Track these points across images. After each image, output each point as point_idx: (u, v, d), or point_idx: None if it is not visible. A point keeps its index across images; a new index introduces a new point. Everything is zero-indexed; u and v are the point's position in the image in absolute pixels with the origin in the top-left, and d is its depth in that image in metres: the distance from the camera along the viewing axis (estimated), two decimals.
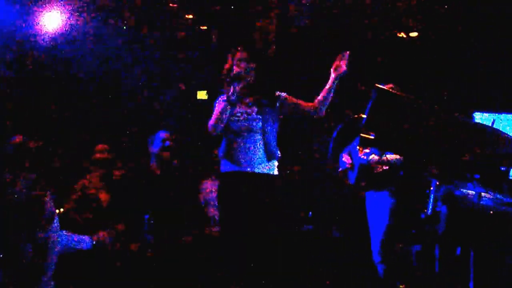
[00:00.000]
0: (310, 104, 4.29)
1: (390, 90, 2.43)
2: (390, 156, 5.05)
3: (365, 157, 5.19)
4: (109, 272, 5.07)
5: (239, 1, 7.25)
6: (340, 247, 6.42)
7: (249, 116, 4.29)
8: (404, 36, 7.88)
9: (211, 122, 4.22)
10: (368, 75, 6.13)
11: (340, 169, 5.49)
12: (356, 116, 4.82)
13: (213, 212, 6.21)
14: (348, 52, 4.10)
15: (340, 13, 7.45)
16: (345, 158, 5.42)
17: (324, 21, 7.48)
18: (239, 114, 4.29)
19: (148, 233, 5.26)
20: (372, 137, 2.66)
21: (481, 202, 2.61)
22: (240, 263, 4.26)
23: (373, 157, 5.14)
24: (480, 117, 3.71)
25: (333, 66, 4.16)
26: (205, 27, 7.53)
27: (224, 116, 4.18)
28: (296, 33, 7.33)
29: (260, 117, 4.30)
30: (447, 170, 2.89)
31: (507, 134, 2.65)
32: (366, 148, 5.15)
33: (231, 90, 4.16)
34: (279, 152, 4.36)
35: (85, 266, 5.07)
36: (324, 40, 7.44)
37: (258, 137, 4.27)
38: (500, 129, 3.07)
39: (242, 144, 4.25)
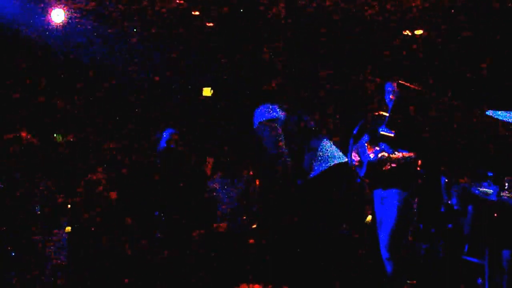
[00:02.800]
0: None
1: (414, 86, 2.41)
2: (399, 154, 5.05)
3: (374, 155, 5.16)
4: (119, 270, 5.07)
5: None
6: (349, 244, 6.41)
7: None
8: (409, 34, 7.88)
9: None
10: (374, 73, 6.14)
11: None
12: (376, 113, 4.80)
13: (220, 209, 6.23)
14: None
15: (345, 12, 7.45)
16: (353, 155, 5.38)
17: (330, 20, 7.46)
18: None
19: (157, 230, 5.26)
20: (392, 135, 2.63)
21: (501, 200, 2.60)
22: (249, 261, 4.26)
23: (383, 154, 5.13)
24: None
25: None
26: (211, 24, 7.51)
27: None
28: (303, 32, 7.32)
29: None
30: (464, 168, 2.88)
31: None
32: (375, 145, 5.14)
33: None
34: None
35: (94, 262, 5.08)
36: (330, 40, 7.44)
37: None
38: None
39: None
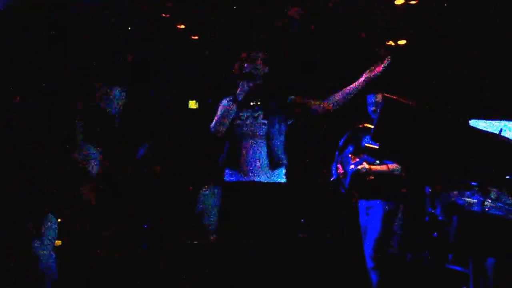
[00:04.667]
0: (321, 103, 4.26)
1: (398, 99, 2.45)
2: (383, 165, 5.11)
3: (353, 166, 5.22)
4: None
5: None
6: (334, 254, 6.44)
7: (255, 120, 4.19)
8: (393, 44, 7.94)
9: (214, 123, 4.11)
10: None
11: (333, 177, 5.50)
12: (361, 125, 4.84)
13: (210, 220, 6.21)
14: (388, 59, 4.11)
15: (328, 24, 7.50)
16: (338, 167, 5.45)
17: (314, 33, 7.51)
18: (244, 118, 4.19)
19: (145, 241, 5.25)
20: (377, 147, 2.67)
21: (485, 210, 2.64)
22: (238, 272, 4.23)
23: (363, 165, 5.18)
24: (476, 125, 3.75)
25: (369, 69, 4.17)
26: (196, 37, 7.52)
27: (228, 116, 4.07)
28: (290, 41, 7.36)
29: (266, 122, 4.20)
30: (447, 178, 2.91)
31: None
32: (359, 156, 5.18)
33: (239, 89, 4.07)
34: (286, 160, 4.26)
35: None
36: (317, 49, 7.48)
37: (263, 143, 4.18)
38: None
39: (245, 151, 4.14)
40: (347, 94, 4.20)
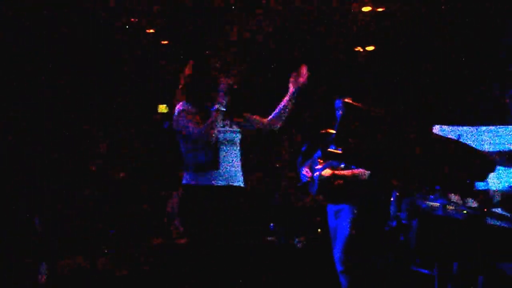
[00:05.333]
0: (263, 119, 4.30)
1: (358, 104, 2.48)
2: (344, 171, 5.15)
3: (318, 172, 5.25)
4: None
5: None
6: (303, 258, 6.46)
7: (231, 128, 4.22)
8: (361, 50, 8.01)
9: (209, 129, 4.02)
10: (328, 90, 6.23)
11: (301, 182, 5.51)
12: (323, 131, 4.87)
13: (179, 224, 6.18)
14: (305, 66, 4.15)
15: (299, 29, 7.53)
16: (306, 171, 5.46)
17: (283, 38, 7.54)
18: (222, 125, 4.14)
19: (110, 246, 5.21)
20: (340, 151, 2.70)
21: (447, 214, 2.68)
22: (206, 276, 4.22)
23: (327, 170, 5.22)
24: (441, 131, 3.79)
25: (291, 80, 4.21)
26: (166, 42, 7.50)
27: (218, 121, 4.04)
28: (256, 51, 7.38)
29: (239, 130, 4.25)
30: (410, 182, 2.95)
31: (472, 147, 2.73)
32: (327, 161, 5.21)
33: (224, 100, 4.07)
34: None
35: None
36: (283, 57, 7.50)
37: (238, 149, 4.24)
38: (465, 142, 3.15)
39: (222, 157, 4.14)
40: (282, 109, 4.24)
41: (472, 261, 2.80)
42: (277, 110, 4.28)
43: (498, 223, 2.53)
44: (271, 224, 6.78)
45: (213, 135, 4.09)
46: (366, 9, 7.22)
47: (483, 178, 2.62)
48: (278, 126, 4.31)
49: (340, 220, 5.28)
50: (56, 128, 6.97)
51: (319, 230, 6.26)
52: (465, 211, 2.77)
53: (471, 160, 2.51)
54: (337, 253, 5.29)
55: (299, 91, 4.20)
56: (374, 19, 7.34)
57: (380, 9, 7.23)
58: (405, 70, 7.47)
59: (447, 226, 2.36)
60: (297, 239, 6.65)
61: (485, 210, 2.76)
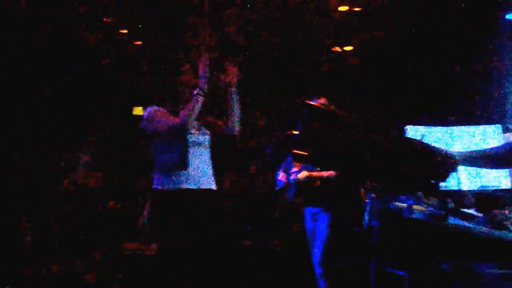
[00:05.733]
0: (220, 123, 4.29)
1: (320, 105, 2.44)
2: (323, 172, 5.11)
3: (294, 175, 5.21)
4: None
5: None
6: (280, 261, 6.42)
7: (199, 130, 4.22)
8: (339, 50, 8.00)
9: (184, 115, 4.02)
10: (304, 90, 6.20)
11: (278, 187, 5.47)
12: (288, 132, 4.83)
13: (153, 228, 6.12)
14: (231, 63, 4.10)
15: (276, 28, 7.50)
16: (281, 176, 5.42)
17: (260, 36, 7.50)
18: (192, 125, 4.16)
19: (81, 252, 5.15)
20: (306, 153, 2.65)
21: (413, 216, 2.64)
22: (180, 281, 4.17)
23: (303, 173, 5.18)
24: (414, 131, 3.76)
25: (226, 81, 4.15)
26: (140, 42, 7.43)
27: (198, 108, 4.02)
28: (233, 49, 7.33)
29: (208, 132, 4.26)
30: (379, 183, 2.92)
31: (436, 147, 2.71)
32: (301, 164, 5.17)
33: (204, 85, 4.03)
34: None
35: None
36: (261, 56, 7.47)
37: (207, 151, 4.23)
38: (430, 142, 3.12)
39: (192, 159, 4.15)
40: (232, 111, 4.21)
41: (434, 261, 2.78)
42: (230, 113, 4.24)
43: (461, 223, 2.50)
44: (247, 227, 6.74)
45: (191, 122, 4.04)
46: (342, 8, 7.20)
47: (444, 178, 2.59)
48: (234, 129, 4.24)
49: (318, 223, 5.25)
50: (27, 131, 6.89)
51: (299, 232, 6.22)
52: (428, 211, 2.74)
53: (431, 160, 2.49)
54: (316, 256, 5.25)
55: (232, 91, 4.15)
56: (351, 18, 7.34)
57: (357, 9, 7.22)
58: (382, 70, 7.45)
59: (409, 226, 2.32)
60: (274, 242, 6.62)
61: (449, 210, 2.74)
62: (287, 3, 7.15)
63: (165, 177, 4.16)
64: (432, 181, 2.49)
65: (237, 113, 4.21)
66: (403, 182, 2.55)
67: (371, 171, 2.54)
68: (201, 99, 4.04)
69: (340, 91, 5.27)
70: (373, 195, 3.90)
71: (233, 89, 4.18)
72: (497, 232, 2.37)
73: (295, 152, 2.68)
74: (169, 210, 4.16)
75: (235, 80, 4.16)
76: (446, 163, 2.54)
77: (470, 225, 2.49)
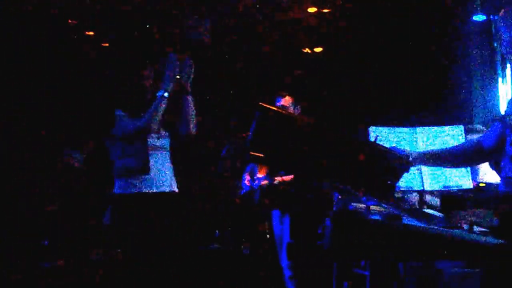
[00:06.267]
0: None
1: (273, 108, 2.43)
2: (283, 177, 5.09)
3: (258, 181, 5.18)
4: None
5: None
6: (250, 265, 6.38)
7: (160, 133, 4.18)
8: (309, 51, 8.01)
9: (147, 118, 4.01)
10: (273, 91, 6.17)
11: (244, 190, 5.43)
12: (244, 135, 4.81)
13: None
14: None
15: (244, 29, 7.49)
16: (247, 180, 5.38)
17: (227, 39, 7.49)
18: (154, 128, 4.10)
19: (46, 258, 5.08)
20: (262, 156, 2.64)
21: (370, 216, 2.64)
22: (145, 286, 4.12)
23: (269, 177, 5.16)
24: (377, 131, 3.78)
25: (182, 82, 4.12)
26: (107, 45, 7.36)
27: (161, 110, 4.01)
28: (200, 50, 7.29)
29: (168, 135, 4.23)
30: (338, 184, 2.92)
31: (390, 148, 2.72)
32: (265, 168, 5.15)
33: (168, 86, 4.02)
34: None
35: None
36: (228, 58, 7.45)
37: (168, 154, 4.20)
38: (393, 143, 3.14)
39: (153, 162, 4.11)
40: (186, 113, 4.19)
41: (391, 261, 2.79)
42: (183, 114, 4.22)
43: (416, 223, 2.51)
44: (216, 231, 6.69)
45: (154, 124, 4.01)
46: (311, 10, 7.21)
47: (397, 178, 2.60)
48: (189, 132, 4.19)
49: (285, 226, 5.22)
50: None
51: (267, 236, 6.20)
52: (385, 212, 2.75)
53: (384, 160, 2.50)
54: (285, 260, 5.23)
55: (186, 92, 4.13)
56: (320, 20, 7.35)
57: (326, 10, 7.23)
58: (348, 72, 7.47)
59: (365, 227, 2.32)
60: (243, 245, 6.57)
61: (408, 210, 2.75)
62: (257, 5, 7.14)
63: (126, 181, 4.12)
64: (387, 182, 2.50)
65: (192, 115, 4.16)
66: (358, 183, 2.55)
67: (322, 172, 2.54)
68: (165, 101, 4.01)
69: (308, 91, 5.27)
70: (339, 196, 3.91)
71: (188, 90, 4.14)
72: (451, 232, 2.37)
73: (251, 154, 2.67)
74: (131, 214, 4.12)
75: (188, 83, 4.12)
76: (400, 163, 2.56)
77: (423, 225, 2.49)
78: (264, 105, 2.40)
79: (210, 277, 5.88)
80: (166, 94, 4.00)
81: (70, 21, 6.74)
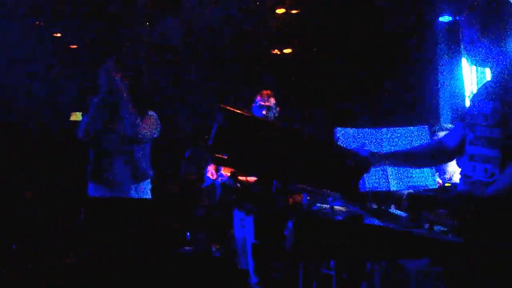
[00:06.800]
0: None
1: (235, 110, 2.44)
2: (246, 177, 5.04)
3: (220, 179, 5.09)
4: None
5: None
6: (221, 268, 6.35)
7: (118, 135, 4.16)
8: (278, 52, 8.03)
9: (84, 125, 4.05)
10: (242, 93, 6.19)
11: (205, 184, 5.33)
12: (207, 137, 4.79)
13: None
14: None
15: (215, 30, 7.48)
16: (210, 174, 5.25)
17: (198, 39, 7.47)
18: (93, 133, 4.11)
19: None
20: (225, 157, 2.65)
21: (333, 217, 2.66)
22: None
23: (230, 176, 5.10)
24: (343, 132, 3.81)
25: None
26: (75, 46, 7.30)
27: (99, 116, 4.03)
28: (170, 51, 7.28)
29: (119, 138, 4.18)
30: (301, 185, 2.94)
31: (352, 149, 2.74)
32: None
33: (103, 94, 4.02)
34: (151, 172, 4.28)
35: None
36: (199, 59, 7.45)
37: (126, 157, 4.17)
38: (359, 144, 3.17)
39: (110, 165, 4.12)
40: (124, 114, 4.15)
41: (352, 260, 2.82)
42: None
43: (377, 223, 2.54)
44: (187, 233, 6.67)
45: (91, 129, 4.01)
46: (280, 11, 7.23)
47: (358, 178, 2.63)
48: (128, 132, 4.17)
49: (247, 229, 5.09)
50: None
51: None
52: (348, 212, 2.78)
53: (344, 161, 2.52)
54: (250, 264, 5.11)
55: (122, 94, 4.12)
56: (289, 21, 7.37)
57: (294, 11, 7.26)
58: (318, 72, 7.51)
59: (325, 227, 2.33)
60: (214, 248, 6.55)
61: (370, 210, 2.78)
62: (226, 6, 7.14)
63: (93, 185, 4.15)
64: (348, 182, 2.52)
65: (129, 117, 4.13)
66: (320, 183, 2.58)
67: (284, 173, 2.56)
68: (99, 107, 4.01)
69: (277, 92, 5.29)
70: (308, 197, 3.93)
71: (124, 92, 4.12)
72: (411, 231, 2.40)
73: (216, 156, 2.68)
74: (100, 217, 4.11)
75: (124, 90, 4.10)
76: (359, 163, 2.59)
77: (384, 225, 2.52)
78: (226, 107, 2.40)
79: (181, 280, 5.85)
80: (101, 101, 4.01)
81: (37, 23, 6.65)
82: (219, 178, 5.05)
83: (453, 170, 5.03)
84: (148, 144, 4.27)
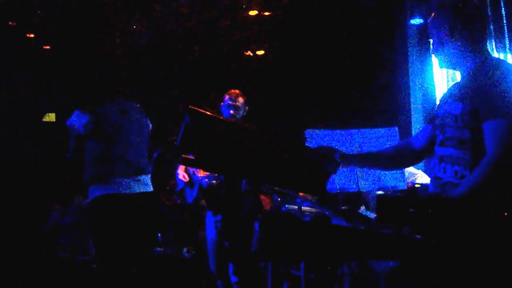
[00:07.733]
0: None
1: (203, 111, 2.44)
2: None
3: (207, 180, 5.05)
4: None
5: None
6: (192, 270, 6.33)
7: None
8: (251, 54, 8.03)
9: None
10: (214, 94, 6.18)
11: (180, 186, 5.30)
12: (174, 137, 4.77)
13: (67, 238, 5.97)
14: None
15: (187, 33, 7.47)
16: (182, 176, 5.22)
17: (169, 40, 7.45)
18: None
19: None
20: (192, 158, 2.65)
21: (303, 218, 2.67)
22: None
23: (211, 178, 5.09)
24: (313, 134, 3.84)
25: None
26: (48, 47, 7.22)
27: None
28: (142, 53, 7.24)
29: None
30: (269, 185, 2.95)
31: (313, 149, 2.74)
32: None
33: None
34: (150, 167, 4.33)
35: None
36: (170, 60, 7.42)
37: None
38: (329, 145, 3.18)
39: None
40: None
41: (318, 262, 2.83)
42: None
43: (344, 224, 2.55)
44: (159, 234, 6.61)
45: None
46: (252, 13, 7.23)
47: (325, 179, 2.64)
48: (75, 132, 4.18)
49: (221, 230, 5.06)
50: None
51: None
52: (315, 213, 2.78)
53: (312, 161, 2.53)
54: (230, 265, 5.08)
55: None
56: (262, 23, 7.38)
57: (266, 13, 7.27)
58: (289, 74, 7.53)
59: (290, 227, 2.33)
60: (185, 249, 6.52)
61: (339, 212, 2.78)
62: (199, 8, 7.13)
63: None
64: (316, 183, 2.53)
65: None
66: (288, 184, 2.58)
67: (252, 174, 2.56)
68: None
69: (248, 94, 5.28)
70: (278, 198, 3.93)
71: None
72: (378, 232, 2.41)
73: (184, 157, 2.68)
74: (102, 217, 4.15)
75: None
76: (328, 164, 2.60)
77: (351, 226, 2.52)
78: (194, 108, 2.40)
79: (152, 281, 5.81)
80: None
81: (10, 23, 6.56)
82: (206, 179, 5.01)
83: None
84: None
